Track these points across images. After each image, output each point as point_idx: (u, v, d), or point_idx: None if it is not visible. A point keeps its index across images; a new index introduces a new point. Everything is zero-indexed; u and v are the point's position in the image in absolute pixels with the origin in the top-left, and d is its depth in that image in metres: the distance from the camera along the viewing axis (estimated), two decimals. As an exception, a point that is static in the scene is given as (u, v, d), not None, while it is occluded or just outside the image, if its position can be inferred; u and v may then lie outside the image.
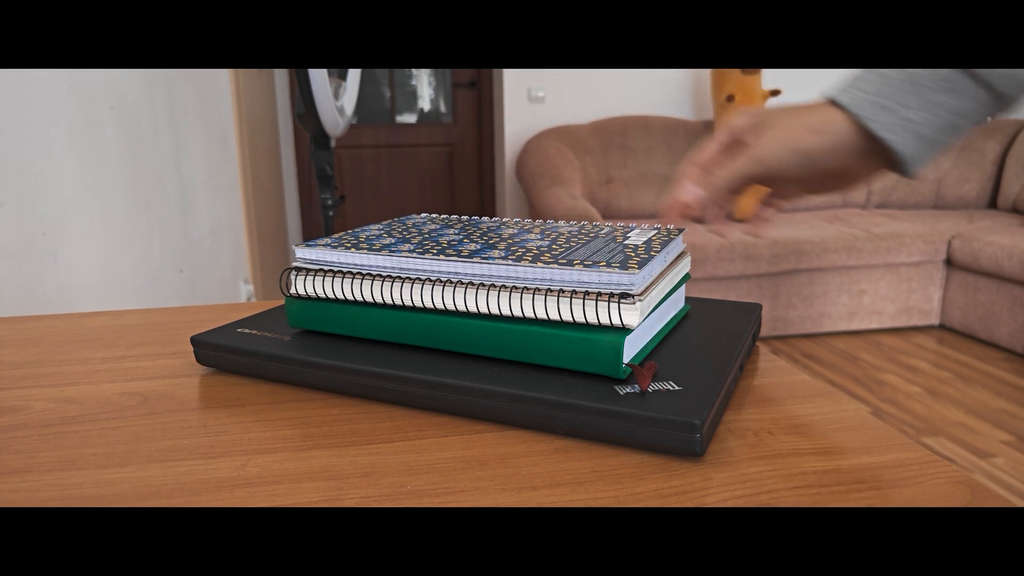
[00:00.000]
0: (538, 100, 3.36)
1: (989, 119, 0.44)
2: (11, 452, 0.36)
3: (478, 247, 0.43)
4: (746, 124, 0.45)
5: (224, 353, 0.45)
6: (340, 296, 0.44)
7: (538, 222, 0.53)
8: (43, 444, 0.37)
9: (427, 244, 0.44)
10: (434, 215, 0.57)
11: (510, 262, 0.39)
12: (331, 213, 1.99)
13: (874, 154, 0.43)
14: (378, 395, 0.41)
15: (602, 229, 0.50)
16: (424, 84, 3.72)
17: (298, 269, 0.45)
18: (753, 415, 0.40)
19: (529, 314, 0.39)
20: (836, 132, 0.42)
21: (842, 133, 0.42)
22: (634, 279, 0.37)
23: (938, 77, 0.41)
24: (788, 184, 0.46)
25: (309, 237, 3.66)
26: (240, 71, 2.28)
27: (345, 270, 0.44)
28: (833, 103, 0.43)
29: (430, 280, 0.41)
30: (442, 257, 0.41)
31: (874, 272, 2.83)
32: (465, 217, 0.55)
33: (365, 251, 0.43)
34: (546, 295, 0.39)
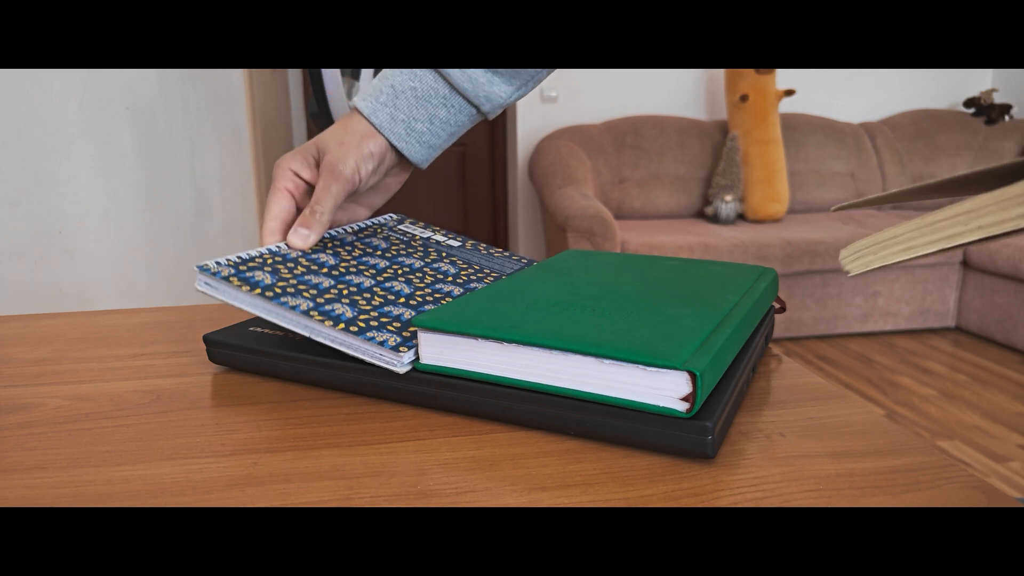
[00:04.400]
0: (551, 100, 3.35)
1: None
2: (26, 449, 0.36)
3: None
4: (301, 160, 0.50)
5: (236, 352, 0.45)
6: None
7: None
8: (57, 441, 0.37)
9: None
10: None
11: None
12: (344, 213, 2.00)
13: (397, 152, 0.52)
14: (389, 394, 0.41)
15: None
16: (437, 84, 3.73)
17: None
18: (765, 417, 0.39)
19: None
20: (379, 137, 0.50)
21: (380, 137, 0.50)
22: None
23: (438, 95, 0.50)
24: (365, 195, 0.54)
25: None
26: (254, 71, 2.29)
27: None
28: (358, 111, 0.51)
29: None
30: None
31: (889, 274, 2.80)
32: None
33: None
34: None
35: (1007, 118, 3.38)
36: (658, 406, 0.34)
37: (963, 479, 0.33)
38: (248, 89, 2.22)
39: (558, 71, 3.30)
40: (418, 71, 0.50)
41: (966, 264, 2.83)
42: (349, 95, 1.88)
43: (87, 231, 1.11)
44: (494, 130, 3.77)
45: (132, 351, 0.51)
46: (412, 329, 0.42)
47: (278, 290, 0.43)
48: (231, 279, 0.43)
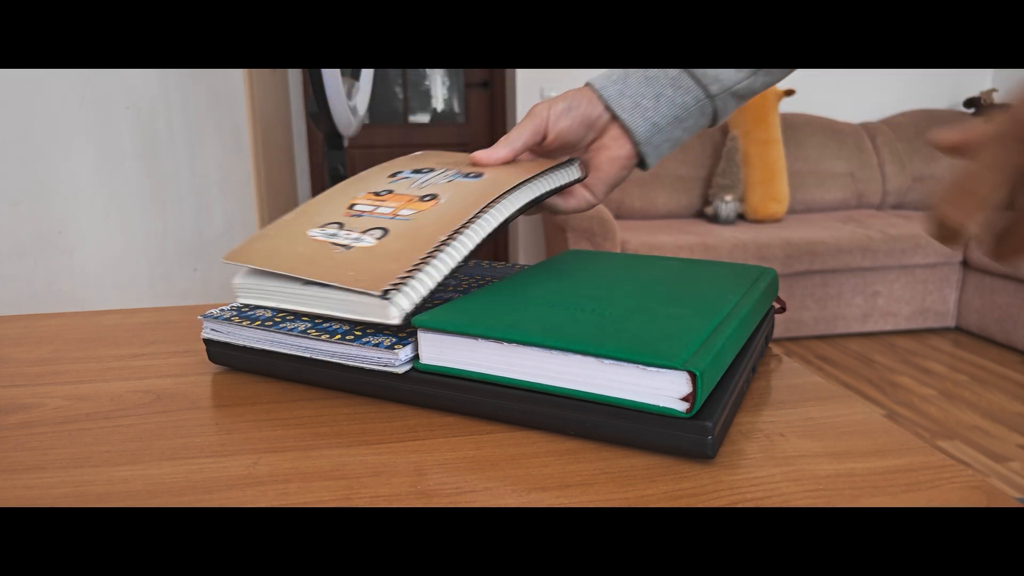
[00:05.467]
0: (551, 100, 3.35)
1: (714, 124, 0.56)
2: (26, 449, 0.36)
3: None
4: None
5: (236, 352, 0.45)
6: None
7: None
8: (57, 441, 0.37)
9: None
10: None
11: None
12: (344, 213, 2.00)
13: (620, 128, 0.54)
14: (389, 394, 0.41)
15: None
16: (437, 84, 3.73)
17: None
18: (765, 417, 0.39)
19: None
20: (595, 101, 0.53)
21: (598, 103, 0.53)
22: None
23: (667, 76, 0.52)
24: (590, 179, 0.55)
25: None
26: (254, 71, 2.29)
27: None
28: (589, 87, 0.53)
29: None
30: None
31: (889, 273, 2.80)
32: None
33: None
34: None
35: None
36: (658, 406, 0.34)
37: (963, 479, 0.33)
38: (248, 89, 2.22)
39: (556, 71, 3.29)
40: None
41: (966, 264, 2.83)
42: (349, 95, 1.88)
43: (87, 231, 1.11)
44: (494, 130, 3.77)
45: (132, 351, 0.51)
46: (409, 329, 0.42)
47: (278, 319, 0.44)
48: (233, 319, 0.44)
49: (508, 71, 3.50)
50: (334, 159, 1.93)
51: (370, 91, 2.11)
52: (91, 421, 0.40)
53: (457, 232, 0.42)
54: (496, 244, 3.95)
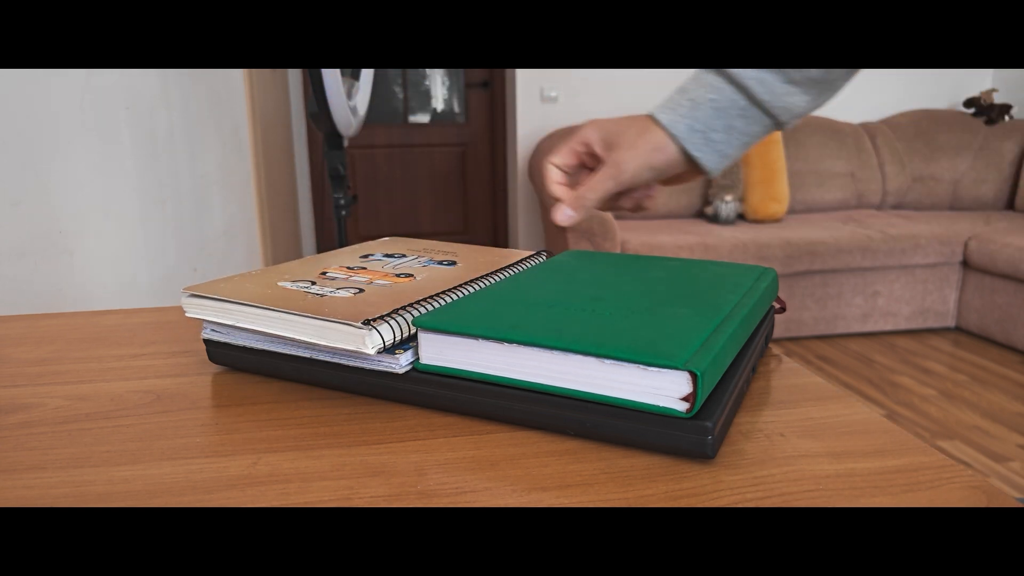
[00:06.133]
0: (551, 100, 3.35)
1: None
2: (26, 449, 0.36)
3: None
4: (597, 138, 0.53)
5: (236, 352, 0.45)
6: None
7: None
8: (57, 441, 0.37)
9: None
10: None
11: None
12: (344, 213, 2.00)
13: (691, 161, 0.53)
14: (389, 394, 0.41)
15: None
16: (437, 84, 3.73)
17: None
18: (765, 417, 0.39)
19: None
20: (670, 149, 0.51)
21: (673, 149, 0.52)
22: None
23: (736, 106, 0.51)
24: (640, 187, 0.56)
25: (322, 237, 3.67)
26: (254, 71, 2.29)
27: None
28: (655, 122, 0.52)
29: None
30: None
31: (889, 273, 2.80)
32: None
33: None
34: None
35: (1007, 118, 3.38)
36: (658, 406, 0.34)
37: (963, 479, 0.33)
38: (248, 89, 2.22)
39: (556, 71, 3.29)
40: (716, 84, 0.51)
41: (966, 264, 2.83)
42: (349, 95, 1.88)
43: (87, 231, 1.11)
44: (494, 130, 3.77)
45: (132, 351, 0.51)
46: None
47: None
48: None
49: (508, 71, 3.50)
50: (334, 159, 1.93)
51: (370, 91, 2.11)
52: (91, 421, 0.40)
53: (436, 296, 0.44)
54: (497, 244, 3.95)
